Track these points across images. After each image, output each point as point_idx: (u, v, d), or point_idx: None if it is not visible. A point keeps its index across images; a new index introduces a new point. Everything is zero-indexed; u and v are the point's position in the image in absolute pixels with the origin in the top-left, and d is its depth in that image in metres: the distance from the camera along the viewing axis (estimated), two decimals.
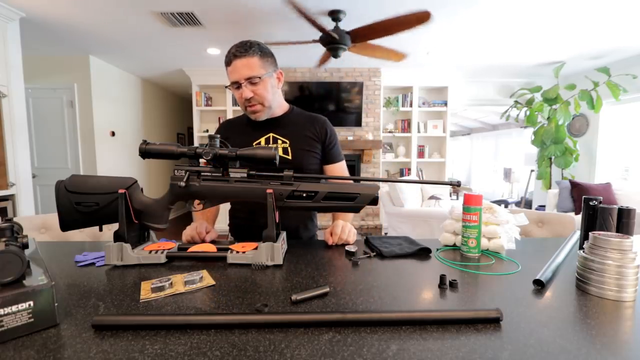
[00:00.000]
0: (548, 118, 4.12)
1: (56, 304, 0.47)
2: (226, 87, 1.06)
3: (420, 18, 2.20)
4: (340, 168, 1.16)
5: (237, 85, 0.99)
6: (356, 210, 0.79)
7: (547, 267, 0.69)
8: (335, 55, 2.79)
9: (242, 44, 0.98)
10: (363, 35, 2.60)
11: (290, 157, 1.06)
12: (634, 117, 3.99)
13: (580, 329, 0.47)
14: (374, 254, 0.82)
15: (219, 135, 0.77)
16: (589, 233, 0.63)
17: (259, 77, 0.98)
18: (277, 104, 1.10)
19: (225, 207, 1.10)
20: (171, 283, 0.61)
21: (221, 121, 4.85)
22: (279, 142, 1.08)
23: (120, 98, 4.38)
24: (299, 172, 1.02)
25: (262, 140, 1.08)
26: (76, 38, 3.22)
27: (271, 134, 1.08)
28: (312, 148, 1.10)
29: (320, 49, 2.93)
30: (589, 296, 0.58)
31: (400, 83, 4.55)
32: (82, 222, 0.77)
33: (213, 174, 0.78)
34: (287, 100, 4.25)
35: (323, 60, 3.20)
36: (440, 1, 2.50)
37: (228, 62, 0.99)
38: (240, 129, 1.13)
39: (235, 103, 4.53)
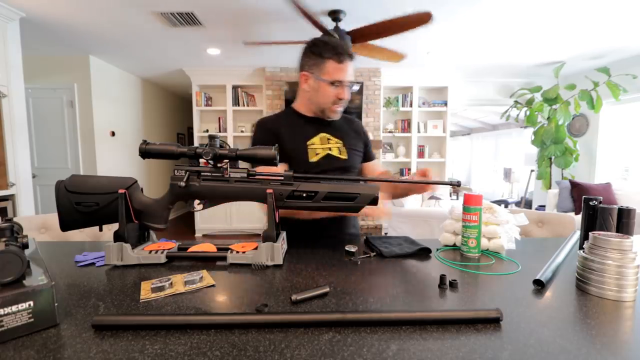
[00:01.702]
0: (548, 118, 4.12)
1: (56, 304, 0.47)
2: (319, 78, 1.01)
3: (421, 19, 2.20)
4: (378, 164, 1.22)
5: (339, 83, 1.01)
6: (356, 210, 0.79)
7: (547, 267, 0.69)
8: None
9: (349, 48, 1.01)
10: (363, 36, 2.60)
11: (346, 157, 1.09)
12: (634, 117, 3.99)
13: (580, 329, 0.47)
14: (374, 254, 0.82)
15: (219, 135, 0.77)
16: (589, 233, 0.63)
17: (357, 84, 1.05)
18: None
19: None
20: (171, 283, 0.61)
21: (221, 122, 4.79)
22: (333, 141, 1.09)
23: (120, 98, 4.39)
24: (351, 172, 1.11)
25: (317, 138, 1.07)
26: (76, 38, 3.23)
27: (323, 134, 1.09)
28: (359, 148, 1.15)
29: None
30: (589, 296, 0.58)
31: (400, 83, 4.55)
32: (82, 222, 0.77)
33: (213, 174, 0.78)
34: (287, 99, 4.23)
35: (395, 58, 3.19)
36: (440, 1, 2.50)
37: (340, 60, 0.99)
38: (292, 125, 1.09)
39: (235, 103, 4.54)
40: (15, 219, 0.68)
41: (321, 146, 1.06)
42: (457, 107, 4.95)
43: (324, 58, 1.00)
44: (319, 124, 1.10)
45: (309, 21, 2.39)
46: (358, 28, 2.57)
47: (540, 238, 1.24)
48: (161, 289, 0.59)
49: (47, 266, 0.55)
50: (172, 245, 0.82)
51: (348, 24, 2.73)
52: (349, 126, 1.16)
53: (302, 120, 1.10)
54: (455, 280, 0.62)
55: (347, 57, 1.00)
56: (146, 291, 0.59)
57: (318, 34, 2.65)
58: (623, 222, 0.75)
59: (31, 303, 0.45)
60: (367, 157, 1.19)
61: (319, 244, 0.94)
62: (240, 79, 4.50)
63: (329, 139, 1.08)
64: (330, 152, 1.07)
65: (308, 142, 1.06)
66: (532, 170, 4.95)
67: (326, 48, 1.00)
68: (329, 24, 2.76)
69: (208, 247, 0.81)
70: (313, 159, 1.04)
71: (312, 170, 1.03)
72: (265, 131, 1.06)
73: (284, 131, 1.06)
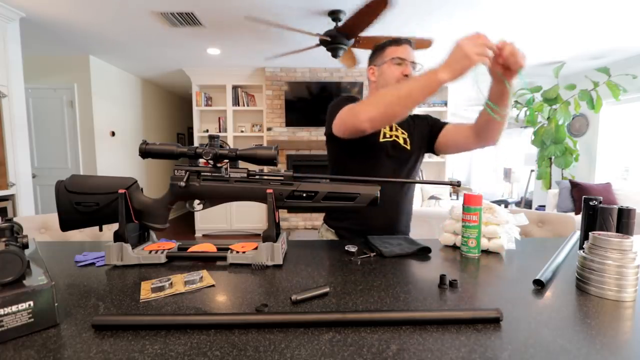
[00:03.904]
0: (548, 118, 4.12)
1: (56, 304, 0.47)
2: (381, 63, 1.08)
3: (379, 4, 2.20)
4: (452, 125, 1.16)
5: (400, 60, 1.05)
6: (356, 210, 0.79)
7: (547, 267, 0.69)
8: (335, 55, 2.79)
9: (407, 37, 1.09)
10: (352, 29, 2.59)
11: (409, 148, 1.12)
12: (634, 117, 3.99)
13: (580, 329, 0.47)
14: (374, 254, 0.82)
15: (219, 135, 0.77)
16: (589, 233, 0.63)
17: (419, 65, 1.08)
18: None
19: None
20: (171, 283, 0.61)
21: (221, 122, 4.78)
22: (400, 131, 1.13)
23: (120, 98, 4.39)
24: (412, 162, 1.13)
25: (387, 126, 1.11)
26: (76, 38, 3.23)
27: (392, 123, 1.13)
28: (423, 141, 1.16)
29: (321, 49, 2.93)
30: (589, 296, 0.58)
31: None
32: (82, 222, 0.77)
33: (213, 174, 0.78)
34: (288, 100, 4.25)
35: (348, 64, 3.20)
36: (439, 2, 2.50)
37: (398, 43, 1.07)
38: None
39: (235, 103, 4.54)
40: (15, 219, 0.68)
41: (390, 132, 1.11)
42: (457, 107, 4.94)
43: (384, 47, 1.09)
44: None
45: (285, 29, 2.41)
46: (344, 23, 2.55)
47: (540, 238, 1.24)
48: (161, 289, 0.59)
49: (47, 266, 0.55)
50: (172, 245, 0.82)
51: None
52: (416, 120, 1.20)
53: None
54: (455, 280, 0.62)
55: (404, 41, 1.07)
56: (146, 291, 0.59)
57: (317, 32, 2.65)
58: (623, 222, 0.75)
59: (31, 303, 0.45)
60: (439, 126, 1.15)
61: (318, 244, 0.94)
62: (240, 79, 4.50)
63: (397, 128, 1.13)
64: (397, 139, 1.11)
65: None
66: (532, 170, 4.95)
67: (386, 41, 1.09)
68: (329, 24, 2.76)
69: (208, 247, 0.81)
70: (382, 139, 1.09)
71: (378, 152, 1.08)
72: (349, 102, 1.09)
73: None
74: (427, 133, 1.16)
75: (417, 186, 3.89)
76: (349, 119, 0.93)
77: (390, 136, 1.10)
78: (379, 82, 1.11)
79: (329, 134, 1.06)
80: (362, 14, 2.35)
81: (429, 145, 1.16)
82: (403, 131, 1.13)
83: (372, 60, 1.15)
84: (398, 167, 1.11)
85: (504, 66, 0.80)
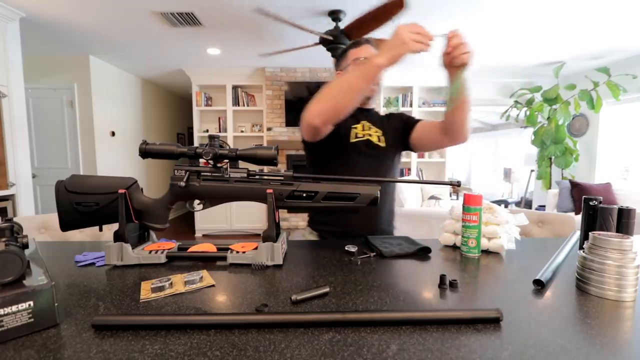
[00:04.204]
0: (548, 118, 4.12)
1: (56, 304, 0.47)
2: (346, 67, 1.11)
3: (395, 5, 2.19)
4: (425, 121, 1.16)
5: (364, 60, 1.07)
6: (356, 210, 0.79)
7: (547, 267, 0.69)
8: (335, 55, 2.79)
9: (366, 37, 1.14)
10: (356, 31, 2.59)
11: (384, 145, 1.12)
12: (634, 117, 3.99)
13: (580, 329, 0.47)
14: (374, 254, 0.82)
15: (219, 135, 0.77)
16: (589, 233, 0.63)
17: None
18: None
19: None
20: (171, 283, 0.61)
21: (221, 122, 4.78)
22: (373, 130, 1.13)
23: (120, 98, 4.39)
24: (388, 160, 1.13)
25: (359, 126, 1.12)
26: (76, 38, 3.23)
27: (365, 122, 1.14)
28: (397, 139, 1.16)
29: (320, 48, 2.93)
30: (589, 296, 0.58)
31: (400, 83, 4.55)
32: (82, 222, 0.77)
33: (213, 174, 0.78)
34: (288, 100, 4.25)
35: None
36: (439, 2, 2.50)
37: (357, 45, 1.10)
38: None
39: (235, 103, 4.54)
40: (15, 219, 0.68)
41: (362, 131, 1.12)
42: None
43: (346, 51, 1.12)
44: (361, 113, 1.15)
45: (291, 26, 2.40)
46: (348, 24, 2.56)
47: (540, 238, 1.24)
48: (161, 289, 0.59)
49: (47, 266, 0.55)
50: (172, 245, 0.82)
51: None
52: (390, 119, 1.20)
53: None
54: (455, 280, 0.62)
55: (364, 42, 1.09)
56: (146, 291, 0.59)
57: (318, 33, 2.65)
58: (623, 222, 0.75)
59: (31, 303, 0.45)
60: (412, 122, 1.15)
61: (319, 244, 0.94)
62: (240, 79, 4.51)
63: (370, 127, 1.13)
64: (370, 137, 1.11)
65: (352, 127, 1.11)
66: (532, 170, 4.95)
67: (347, 45, 1.12)
68: (329, 24, 2.76)
69: (208, 247, 0.81)
70: (353, 140, 1.10)
71: (350, 151, 1.09)
72: None
73: None
74: (400, 129, 1.16)
75: (417, 186, 3.88)
76: (304, 120, 0.94)
77: (363, 135, 1.11)
78: None
79: (302, 139, 1.08)
80: (373, 15, 2.33)
81: (404, 142, 1.16)
82: (377, 129, 1.14)
83: (337, 65, 1.17)
84: (374, 166, 1.10)
85: (451, 59, 0.83)
